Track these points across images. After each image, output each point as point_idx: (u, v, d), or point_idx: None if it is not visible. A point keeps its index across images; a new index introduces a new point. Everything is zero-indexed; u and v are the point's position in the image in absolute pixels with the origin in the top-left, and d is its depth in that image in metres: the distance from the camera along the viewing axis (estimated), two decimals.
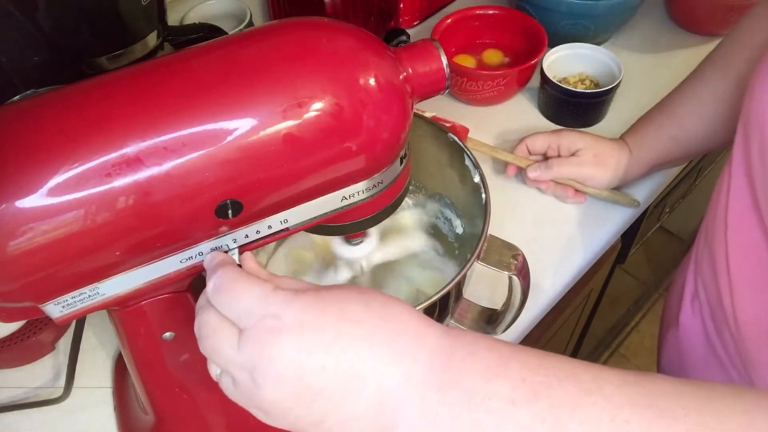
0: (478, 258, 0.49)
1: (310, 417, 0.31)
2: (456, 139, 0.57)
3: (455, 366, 0.30)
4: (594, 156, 0.71)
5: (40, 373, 0.63)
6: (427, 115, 0.79)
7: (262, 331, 0.31)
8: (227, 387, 0.33)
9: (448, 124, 0.79)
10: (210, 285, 0.34)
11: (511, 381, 0.29)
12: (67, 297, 0.36)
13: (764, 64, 0.47)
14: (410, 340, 0.31)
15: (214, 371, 0.34)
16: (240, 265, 0.37)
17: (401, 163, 0.42)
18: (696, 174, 1.06)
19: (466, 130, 0.79)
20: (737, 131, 0.52)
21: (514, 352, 0.31)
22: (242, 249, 0.39)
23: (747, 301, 0.52)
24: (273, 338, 0.31)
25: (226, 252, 0.38)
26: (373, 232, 0.56)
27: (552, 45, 0.83)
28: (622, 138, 0.73)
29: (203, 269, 0.39)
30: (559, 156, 0.73)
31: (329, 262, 0.61)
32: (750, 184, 0.49)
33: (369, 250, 0.56)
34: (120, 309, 0.41)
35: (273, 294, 0.32)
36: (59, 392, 0.57)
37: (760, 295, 0.51)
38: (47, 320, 0.59)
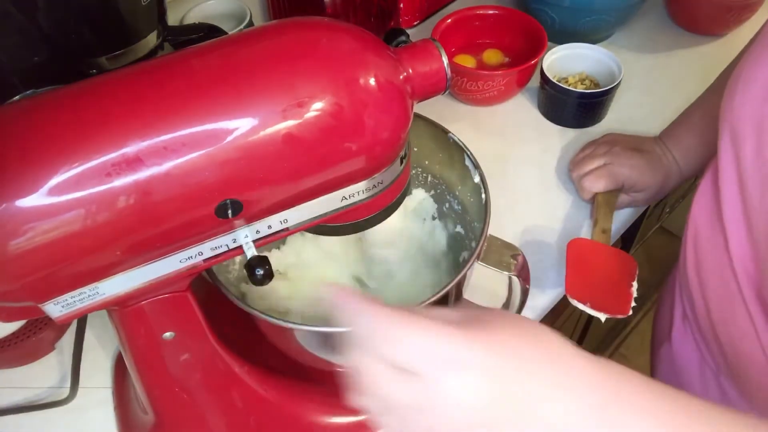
0: (478, 258, 0.49)
1: None
2: (456, 139, 0.57)
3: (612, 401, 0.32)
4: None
5: (40, 374, 0.63)
6: None
7: (440, 374, 0.31)
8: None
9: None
10: (367, 335, 0.32)
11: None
12: (67, 297, 0.36)
13: (751, 66, 0.47)
14: (575, 375, 0.32)
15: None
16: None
17: (401, 163, 0.42)
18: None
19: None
20: (722, 142, 0.51)
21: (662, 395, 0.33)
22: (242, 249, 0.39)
23: (725, 318, 0.53)
24: (457, 378, 0.31)
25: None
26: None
27: (552, 42, 0.83)
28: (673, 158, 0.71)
29: (203, 269, 0.39)
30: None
31: None
32: (740, 190, 0.48)
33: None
34: (120, 309, 0.41)
35: (443, 331, 0.31)
36: (60, 393, 0.57)
37: (730, 309, 0.51)
38: (47, 320, 0.59)
